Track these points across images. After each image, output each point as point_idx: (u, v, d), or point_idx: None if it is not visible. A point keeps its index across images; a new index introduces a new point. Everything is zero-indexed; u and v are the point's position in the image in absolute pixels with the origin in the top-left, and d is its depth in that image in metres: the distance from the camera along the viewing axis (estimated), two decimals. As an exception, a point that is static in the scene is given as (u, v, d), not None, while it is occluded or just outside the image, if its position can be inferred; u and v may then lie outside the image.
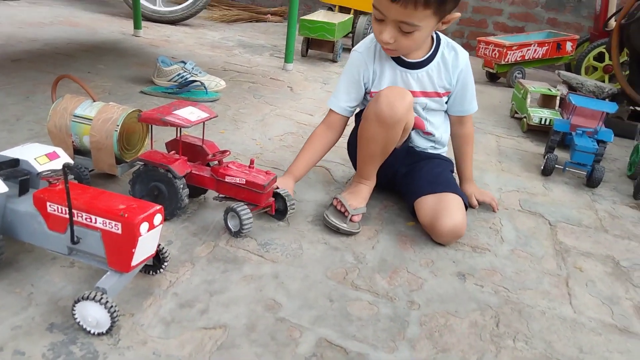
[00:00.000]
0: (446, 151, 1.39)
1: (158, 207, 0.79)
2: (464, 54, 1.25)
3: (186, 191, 1.08)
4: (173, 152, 1.15)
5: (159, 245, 0.88)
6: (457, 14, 1.12)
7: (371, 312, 0.92)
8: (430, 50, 1.23)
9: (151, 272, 0.91)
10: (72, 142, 1.17)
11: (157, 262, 0.90)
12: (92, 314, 0.74)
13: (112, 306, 0.74)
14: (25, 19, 2.99)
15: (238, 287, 0.94)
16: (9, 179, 0.84)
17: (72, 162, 0.77)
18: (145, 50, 2.66)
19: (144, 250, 0.78)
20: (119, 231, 0.75)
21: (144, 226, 0.76)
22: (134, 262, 0.77)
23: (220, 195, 1.13)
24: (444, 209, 1.15)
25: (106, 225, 0.76)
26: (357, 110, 1.31)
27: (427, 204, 1.19)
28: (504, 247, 1.21)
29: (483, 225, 1.30)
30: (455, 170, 1.39)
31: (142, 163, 1.08)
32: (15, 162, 0.87)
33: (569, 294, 1.06)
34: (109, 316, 0.74)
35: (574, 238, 1.29)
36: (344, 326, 0.87)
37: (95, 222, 0.76)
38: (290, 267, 0.98)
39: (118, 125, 1.13)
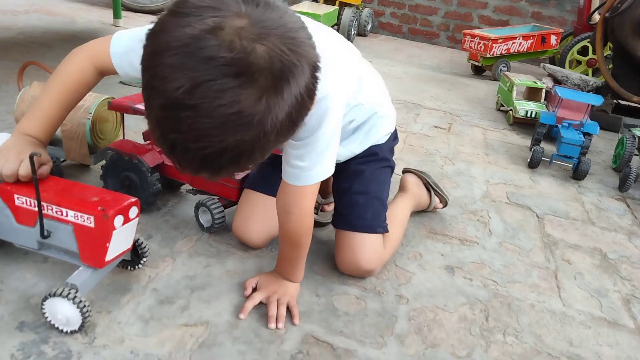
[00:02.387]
0: (381, 124, 1.01)
1: (134, 199, 0.74)
2: None
3: (156, 176, 1.03)
4: (148, 142, 1.10)
5: (138, 239, 0.84)
6: None
7: (359, 307, 0.90)
8: None
9: (129, 268, 0.87)
10: (45, 131, 1.12)
11: (135, 257, 0.86)
12: (62, 311, 0.70)
13: (82, 303, 0.70)
14: (-1, 6, 2.88)
15: (221, 282, 0.90)
16: None
17: (39, 152, 0.72)
18: (125, 40, 2.58)
19: (119, 244, 0.74)
20: (92, 224, 0.71)
21: (119, 219, 0.71)
22: (108, 257, 0.73)
23: (194, 189, 1.09)
24: (344, 247, 0.95)
25: (78, 219, 0.71)
26: None
27: (337, 238, 0.99)
28: (492, 240, 1.19)
29: (471, 218, 1.28)
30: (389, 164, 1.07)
31: (112, 153, 1.04)
32: None
33: (557, 286, 1.04)
34: (79, 313, 0.70)
35: (561, 230, 1.29)
36: (330, 322, 0.85)
37: (67, 215, 0.72)
38: (275, 262, 0.95)
39: (90, 113, 1.08)
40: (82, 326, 0.72)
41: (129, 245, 0.78)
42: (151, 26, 0.55)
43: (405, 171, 1.27)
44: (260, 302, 0.85)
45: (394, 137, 1.08)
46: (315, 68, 0.56)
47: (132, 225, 0.76)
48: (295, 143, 0.76)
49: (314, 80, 0.56)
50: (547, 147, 1.80)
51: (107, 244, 0.71)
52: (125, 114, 1.10)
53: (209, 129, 0.52)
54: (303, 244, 0.86)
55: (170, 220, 1.07)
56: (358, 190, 0.98)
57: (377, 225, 0.97)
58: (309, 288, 0.92)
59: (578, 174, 1.61)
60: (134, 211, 0.75)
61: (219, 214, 1.01)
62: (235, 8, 0.52)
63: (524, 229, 1.26)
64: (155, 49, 0.53)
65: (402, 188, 1.21)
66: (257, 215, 0.98)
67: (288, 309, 0.84)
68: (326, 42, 0.66)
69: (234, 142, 0.54)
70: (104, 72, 0.85)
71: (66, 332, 0.72)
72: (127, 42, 0.81)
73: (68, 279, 0.73)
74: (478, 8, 3.93)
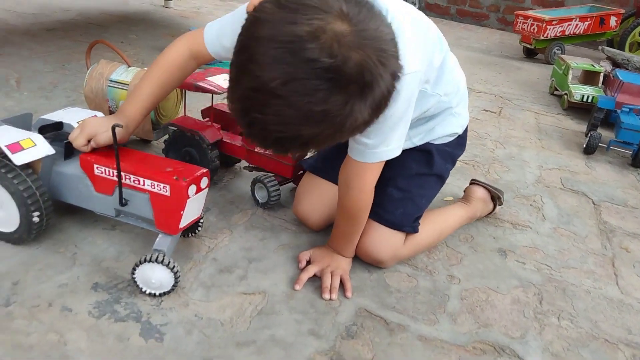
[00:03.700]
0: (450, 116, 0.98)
1: (205, 170, 0.78)
2: None
3: (215, 153, 1.07)
4: (207, 119, 1.13)
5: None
6: None
7: (410, 284, 0.91)
8: None
9: (189, 235, 0.91)
10: (109, 107, 1.18)
11: (192, 225, 0.90)
12: (156, 276, 0.75)
13: (172, 264, 0.75)
14: (58, -11, 3.00)
15: (276, 255, 0.93)
16: (54, 142, 0.84)
17: (121, 124, 0.76)
18: (175, 22, 2.65)
19: (191, 212, 0.78)
20: (168, 193, 0.75)
21: (192, 189, 0.75)
22: (182, 224, 0.77)
23: (250, 165, 1.12)
24: (366, 236, 0.91)
25: (154, 188, 0.75)
26: None
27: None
28: (546, 225, 1.17)
29: (523, 203, 1.26)
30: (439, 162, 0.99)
31: (175, 129, 1.08)
32: (59, 125, 0.87)
33: (615, 274, 1.02)
34: (172, 275, 0.75)
35: (619, 218, 1.24)
36: (382, 297, 0.86)
37: (144, 185, 0.76)
38: (327, 238, 0.97)
39: (156, 91, 1.12)
40: (174, 286, 0.77)
41: (199, 213, 0.82)
42: (244, 9, 0.60)
43: (473, 182, 1.16)
44: (314, 275, 0.88)
45: (459, 144, 1.03)
46: (395, 78, 0.61)
47: (203, 195, 0.79)
48: None
49: (392, 89, 0.61)
50: (604, 134, 1.73)
51: (182, 212, 0.75)
52: (186, 92, 1.14)
53: (292, 118, 0.57)
54: (360, 219, 0.87)
55: (227, 195, 1.10)
56: (398, 184, 0.94)
57: (405, 224, 0.92)
58: (361, 264, 0.93)
59: (638, 161, 1.54)
60: (204, 181, 0.78)
61: (275, 190, 1.03)
62: (338, 8, 0.56)
63: (579, 215, 1.23)
64: (259, 36, 0.57)
65: (465, 197, 1.13)
66: (318, 198, 0.99)
67: (341, 282, 0.86)
68: (411, 25, 0.73)
69: (310, 133, 0.59)
70: (199, 58, 0.90)
71: (156, 295, 0.77)
72: (217, 29, 0.86)
73: (155, 245, 0.78)
74: (531, -12, 3.77)
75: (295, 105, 0.56)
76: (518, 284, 0.95)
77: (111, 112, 1.19)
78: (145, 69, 1.19)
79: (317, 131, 0.59)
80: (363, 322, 0.80)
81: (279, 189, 1.05)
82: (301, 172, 1.10)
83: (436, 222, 1.02)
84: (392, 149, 0.81)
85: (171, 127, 1.09)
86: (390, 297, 0.87)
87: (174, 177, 0.74)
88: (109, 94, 1.16)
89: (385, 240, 0.91)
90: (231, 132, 1.15)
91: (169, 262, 0.75)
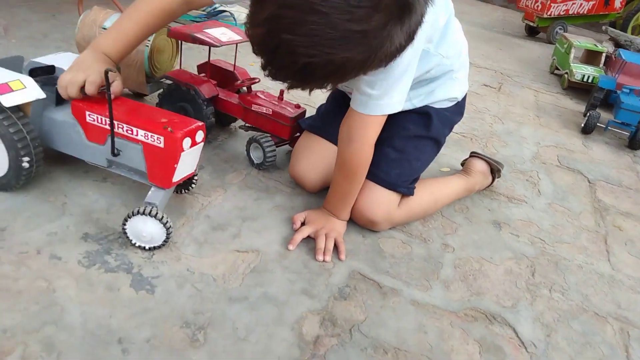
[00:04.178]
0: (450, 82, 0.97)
1: (200, 123, 0.75)
2: None
3: (211, 110, 1.04)
4: (203, 74, 1.10)
5: None
6: None
7: (404, 250, 0.90)
8: None
9: (182, 191, 0.89)
10: (103, 57, 1.13)
11: (186, 181, 0.88)
12: (147, 229, 0.73)
13: (165, 218, 0.73)
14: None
15: (270, 215, 0.92)
16: (45, 86, 0.80)
17: (114, 68, 0.73)
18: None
19: (185, 166, 0.76)
20: (162, 145, 0.72)
21: (187, 141, 0.72)
22: (175, 178, 0.75)
23: (247, 125, 1.09)
24: (361, 196, 0.90)
25: (148, 139, 0.73)
26: None
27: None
28: (541, 200, 1.16)
29: (520, 178, 1.25)
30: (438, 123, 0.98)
31: (170, 82, 1.04)
32: (51, 69, 0.83)
33: (607, 251, 1.02)
34: (163, 229, 0.73)
35: (613, 197, 1.25)
36: (376, 261, 0.86)
37: (137, 135, 0.73)
38: (322, 201, 0.95)
39: (149, 41, 1.08)
40: (165, 241, 0.75)
41: (193, 168, 0.79)
42: None
43: (474, 154, 1.15)
44: (308, 237, 0.87)
45: (458, 111, 1.02)
46: (427, 5, 0.58)
47: (197, 149, 0.77)
48: None
49: (422, 19, 0.59)
50: (603, 115, 1.72)
51: (175, 165, 0.73)
52: (182, 44, 1.10)
53: (327, 38, 0.53)
54: (358, 176, 0.86)
55: (221, 154, 1.08)
56: (395, 145, 0.93)
57: (400, 185, 0.91)
58: (355, 228, 0.92)
59: (635, 143, 1.54)
60: (200, 135, 0.75)
61: (271, 151, 1.01)
62: None
63: (574, 193, 1.23)
64: None
65: (465, 170, 1.11)
66: (316, 158, 0.98)
67: (335, 245, 0.86)
68: None
69: (342, 58, 0.55)
70: (190, 1, 0.84)
71: (147, 248, 0.75)
72: None
73: (146, 199, 0.75)
74: (538, -35, 3.69)
75: (334, 23, 0.52)
76: (511, 256, 0.95)
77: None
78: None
79: (351, 55, 0.55)
80: (356, 285, 0.79)
81: (275, 150, 1.02)
82: (298, 134, 1.07)
83: (433, 190, 1.01)
84: (395, 102, 0.80)
85: (166, 81, 1.05)
86: (384, 261, 0.86)
87: (169, 129, 0.71)
88: (103, 44, 1.12)
89: (379, 200, 0.90)
90: (228, 90, 1.11)
91: (162, 216, 0.73)
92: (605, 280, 0.93)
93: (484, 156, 1.13)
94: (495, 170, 1.13)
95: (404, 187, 0.93)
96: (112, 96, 0.72)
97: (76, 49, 1.18)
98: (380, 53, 0.56)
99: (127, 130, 0.74)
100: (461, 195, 1.07)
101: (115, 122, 0.74)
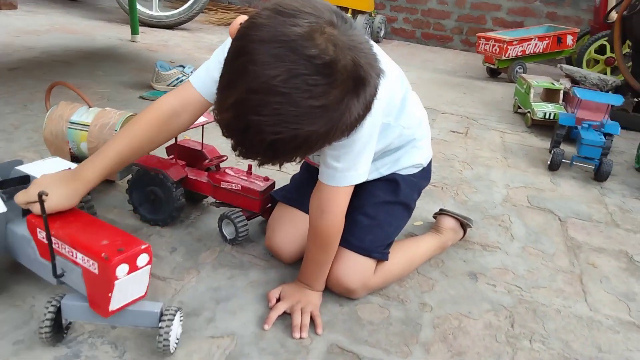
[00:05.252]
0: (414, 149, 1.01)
1: (144, 245, 0.68)
2: None
3: (180, 191, 1.05)
4: (172, 156, 1.12)
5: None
6: None
7: (382, 315, 0.90)
8: None
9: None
10: (70, 149, 1.15)
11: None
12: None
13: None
14: (22, 27, 2.96)
15: (245, 293, 0.91)
16: (13, 197, 0.78)
17: (47, 192, 0.69)
18: (143, 55, 2.64)
19: (125, 294, 0.69)
20: (96, 271, 0.67)
21: (122, 268, 0.66)
22: (112, 307, 0.68)
23: (217, 201, 1.11)
24: (336, 264, 0.91)
25: (85, 262, 0.68)
26: None
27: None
28: (515, 245, 1.18)
29: (492, 223, 1.27)
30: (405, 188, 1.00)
31: (138, 168, 1.06)
32: (26, 179, 0.83)
33: (583, 291, 1.03)
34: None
35: (585, 233, 1.27)
36: (355, 331, 0.85)
37: (76, 257, 0.69)
38: (297, 273, 0.95)
39: (116, 131, 1.10)
40: None
41: (141, 293, 0.72)
42: (227, 40, 0.62)
43: (442, 212, 1.17)
44: (285, 313, 0.86)
45: (424, 177, 1.06)
46: (379, 78, 0.65)
47: (141, 274, 0.70)
48: (333, 144, 0.76)
49: (376, 90, 0.65)
50: (567, 149, 1.78)
51: (109, 294, 0.67)
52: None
53: (291, 116, 0.58)
54: (331, 246, 0.87)
55: (194, 233, 1.09)
56: (367, 212, 0.95)
57: (374, 250, 0.92)
58: (332, 297, 0.92)
59: (600, 175, 1.58)
60: (143, 259, 0.68)
61: (242, 226, 1.02)
62: (329, 18, 0.60)
63: (546, 233, 1.25)
64: (258, 38, 0.59)
65: (436, 228, 1.13)
66: (292, 229, 0.98)
67: (311, 319, 0.85)
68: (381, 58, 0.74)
69: (307, 132, 0.60)
70: (188, 105, 0.85)
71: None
72: (204, 69, 0.85)
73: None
74: (491, 10, 3.91)
75: (296, 102, 0.58)
76: (490, 308, 0.95)
77: (72, 155, 1.17)
78: (107, 109, 1.18)
79: (314, 128, 0.60)
80: (335, 359, 0.78)
81: (246, 224, 1.03)
82: (269, 205, 1.09)
83: (407, 252, 1.02)
84: (361, 173, 0.83)
85: (134, 167, 1.07)
86: (363, 330, 0.85)
87: (102, 255, 0.65)
88: (70, 136, 1.14)
89: (355, 268, 0.91)
90: (197, 168, 1.13)
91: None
92: (584, 322, 0.93)
93: (453, 213, 1.15)
94: (465, 225, 1.15)
95: (378, 253, 0.93)
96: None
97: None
98: (341, 124, 0.62)
99: (68, 252, 0.70)
100: (435, 253, 1.09)
101: (59, 242, 0.71)
